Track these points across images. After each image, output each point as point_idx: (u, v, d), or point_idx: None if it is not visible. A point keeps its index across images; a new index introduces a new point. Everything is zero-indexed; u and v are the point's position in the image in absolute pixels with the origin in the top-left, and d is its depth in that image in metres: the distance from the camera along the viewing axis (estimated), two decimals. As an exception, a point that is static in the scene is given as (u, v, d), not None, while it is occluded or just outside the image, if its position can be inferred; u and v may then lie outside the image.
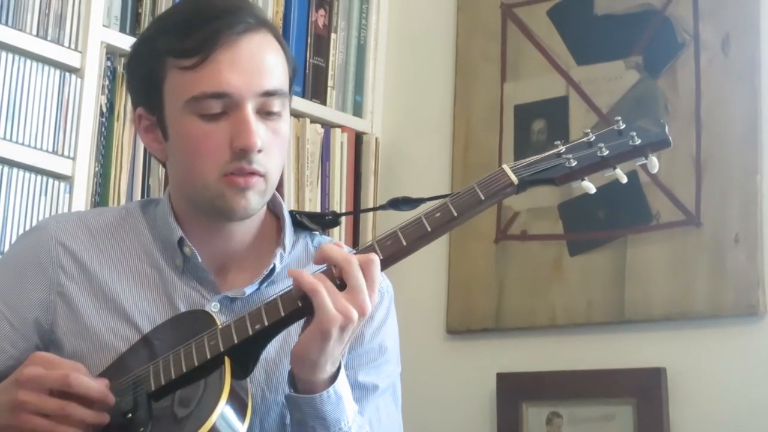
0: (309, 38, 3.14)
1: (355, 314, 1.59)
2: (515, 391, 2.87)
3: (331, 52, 3.20)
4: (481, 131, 3.10)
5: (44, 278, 1.80)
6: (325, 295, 1.58)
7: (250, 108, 1.70)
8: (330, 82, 3.19)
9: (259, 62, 1.72)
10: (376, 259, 1.62)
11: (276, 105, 1.73)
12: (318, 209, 3.04)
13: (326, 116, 3.15)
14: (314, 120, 3.11)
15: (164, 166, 1.87)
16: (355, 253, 1.64)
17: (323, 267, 1.65)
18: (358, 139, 3.21)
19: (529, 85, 3.06)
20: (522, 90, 3.07)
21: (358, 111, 3.25)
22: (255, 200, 1.74)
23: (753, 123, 2.70)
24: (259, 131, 1.71)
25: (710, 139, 2.74)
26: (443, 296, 3.07)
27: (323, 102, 3.15)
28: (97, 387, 1.61)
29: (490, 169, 3.13)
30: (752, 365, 2.61)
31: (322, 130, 3.12)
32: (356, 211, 3.15)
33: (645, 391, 2.69)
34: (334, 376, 1.66)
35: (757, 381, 2.60)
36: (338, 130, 3.16)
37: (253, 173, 1.71)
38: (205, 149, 1.71)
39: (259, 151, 1.70)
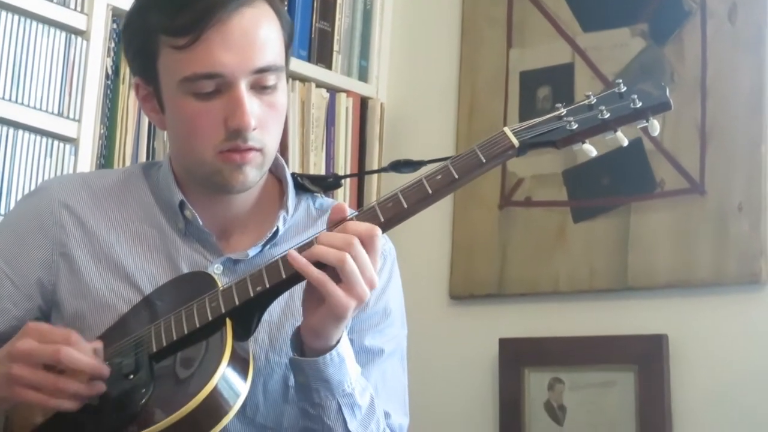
0: (315, 2, 3.14)
1: (367, 293, 1.59)
2: (517, 356, 2.88)
3: (337, 16, 3.20)
4: (486, 97, 3.10)
5: (46, 239, 1.80)
6: (334, 286, 1.58)
7: (243, 86, 1.70)
8: (336, 47, 3.18)
9: (251, 39, 1.71)
10: (377, 231, 1.61)
11: (270, 79, 1.73)
12: (323, 173, 3.05)
13: (332, 81, 3.14)
14: (319, 84, 3.11)
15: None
16: (356, 216, 1.64)
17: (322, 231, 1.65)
18: (363, 104, 3.21)
19: (535, 52, 3.05)
20: (528, 56, 3.06)
21: (363, 76, 3.25)
22: (252, 174, 1.74)
23: (759, 92, 2.69)
24: (253, 108, 1.70)
25: (715, 108, 2.74)
26: (446, 262, 3.07)
27: (329, 66, 3.15)
28: (88, 361, 1.59)
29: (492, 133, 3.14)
30: (754, 333, 2.62)
31: (328, 95, 3.12)
32: (358, 173, 3.15)
33: (646, 357, 2.70)
34: (337, 339, 1.66)
35: (758, 349, 2.61)
36: (343, 95, 3.15)
37: (250, 149, 1.72)
38: (201, 128, 1.71)
39: (254, 128, 1.70)
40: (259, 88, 1.72)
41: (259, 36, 1.72)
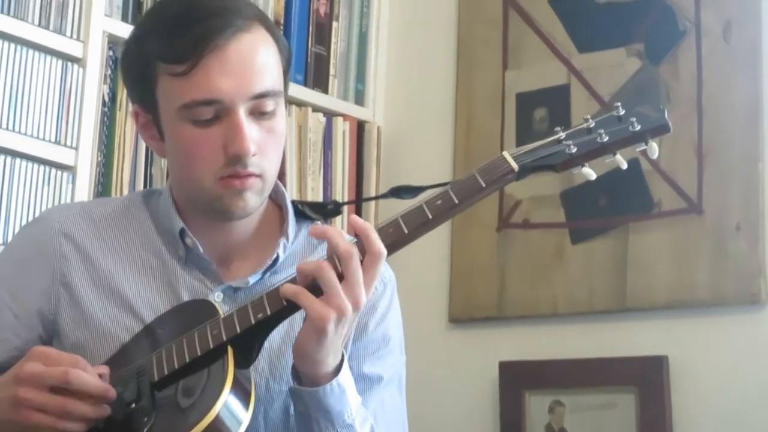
0: (310, 26, 3.14)
1: (349, 308, 1.59)
2: (517, 379, 2.87)
3: (333, 40, 3.20)
4: (483, 119, 3.11)
5: (47, 268, 1.80)
6: (309, 296, 1.59)
7: (242, 112, 1.69)
8: (332, 71, 3.19)
9: (249, 65, 1.70)
10: (383, 251, 1.61)
11: (269, 105, 1.72)
12: (320, 198, 3.05)
13: (328, 105, 3.15)
14: (316, 109, 3.11)
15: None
16: (356, 243, 1.64)
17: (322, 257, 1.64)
18: (360, 128, 3.21)
19: (530, 73, 3.06)
20: (524, 78, 3.07)
21: (359, 99, 3.25)
22: (253, 200, 1.74)
23: (754, 110, 2.69)
24: (253, 134, 1.70)
25: (712, 127, 2.74)
26: (445, 285, 3.07)
27: (325, 90, 3.15)
28: (96, 383, 1.61)
29: (492, 158, 3.14)
30: (753, 353, 2.62)
31: (324, 119, 3.12)
32: (358, 200, 3.15)
33: (647, 379, 2.70)
34: (338, 369, 1.66)
35: (758, 369, 2.60)
36: (340, 119, 3.16)
37: (249, 175, 1.71)
38: (200, 154, 1.71)
39: (254, 154, 1.70)
40: (258, 113, 1.72)
41: (256, 61, 1.71)
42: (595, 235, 2.86)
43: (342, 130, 3.15)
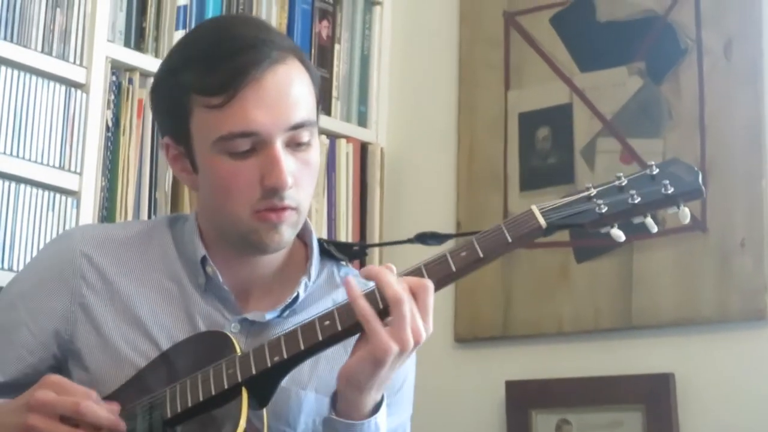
0: (313, 49, 3.15)
1: (410, 342, 1.57)
2: (524, 398, 2.87)
3: (335, 63, 3.21)
4: (486, 140, 3.11)
5: (66, 289, 1.80)
6: (379, 324, 1.57)
7: (279, 144, 1.69)
8: (334, 93, 3.20)
9: (285, 96, 1.70)
10: (430, 285, 1.60)
11: (305, 136, 1.72)
12: (324, 220, 3.05)
13: (331, 127, 3.15)
14: (319, 131, 3.10)
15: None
16: (405, 274, 1.62)
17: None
18: (363, 150, 3.22)
19: (532, 93, 3.06)
20: (526, 98, 3.07)
21: (362, 121, 3.26)
22: (288, 233, 1.73)
23: (757, 128, 2.70)
24: (289, 165, 1.69)
25: (714, 145, 2.74)
26: (450, 305, 3.06)
27: (328, 113, 3.16)
28: (107, 416, 1.60)
29: (495, 178, 3.15)
30: (760, 370, 2.61)
31: (327, 141, 3.12)
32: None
33: (653, 397, 2.69)
34: (377, 407, 1.65)
35: (764, 385, 2.60)
36: (343, 141, 3.16)
37: (285, 208, 1.71)
38: (236, 187, 1.70)
39: (290, 187, 1.69)
40: (294, 145, 1.71)
41: (292, 93, 1.71)
42: (600, 254, 2.86)
43: (345, 151, 3.15)
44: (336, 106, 3.19)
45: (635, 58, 2.90)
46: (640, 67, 2.89)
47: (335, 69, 3.20)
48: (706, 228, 2.72)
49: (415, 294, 1.59)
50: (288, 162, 1.69)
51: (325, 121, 3.13)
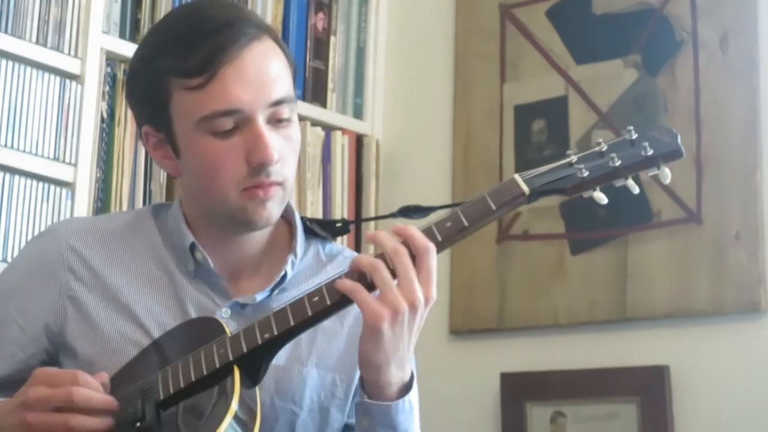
0: (308, 41, 3.15)
1: (404, 306, 1.57)
2: (519, 390, 2.87)
3: (331, 55, 3.21)
4: (482, 132, 3.11)
5: (54, 283, 1.79)
6: (365, 293, 1.57)
7: (261, 120, 1.69)
8: (330, 85, 3.20)
9: (265, 72, 1.70)
10: (432, 247, 1.60)
11: (285, 111, 1.72)
12: (320, 212, 3.05)
13: (327, 119, 3.15)
14: (315, 123, 3.11)
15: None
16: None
17: (339, 273, 1.64)
18: (358, 142, 3.22)
19: (528, 86, 3.06)
20: (521, 90, 3.07)
21: (358, 113, 3.26)
22: (275, 209, 1.74)
23: (752, 120, 2.70)
24: (273, 141, 1.69)
25: (710, 137, 2.75)
26: (446, 297, 3.07)
27: (323, 105, 3.16)
28: (100, 397, 1.60)
29: (491, 170, 3.16)
30: (755, 362, 2.62)
31: (323, 133, 3.12)
32: (365, 218, 3.14)
33: (648, 389, 2.70)
34: (408, 386, 1.65)
35: (759, 377, 2.60)
36: (339, 133, 3.16)
37: (272, 184, 1.71)
38: (223, 166, 1.70)
39: (276, 162, 1.70)
40: (275, 121, 1.72)
41: (271, 69, 1.72)
42: (595, 246, 2.86)
43: (341, 144, 3.15)
44: (331, 98, 3.19)
45: (631, 50, 2.90)
46: (636, 60, 2.89)
47: (331, 61, 3.20)
48: (701, 220, 2.72)
49: (414, 257, 1.59)
50: (272, 138, 1.70)
51: (321, 114, 3.13)
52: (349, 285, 1.59)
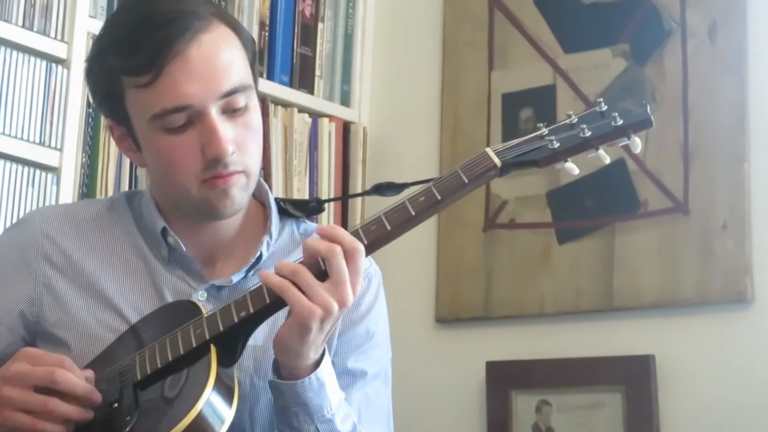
0: (296, 28, 3.14)
1: (334, 306, 1.58)
2: (504, 379, 2.87)
3: (318, 41, 3.20)
4: (469, 120, 3.10)
5: (30, 271, 1.80)
6: (296, 291, 1.58)
7: (214, 113, 1.69)
8: (317, 72, 3.19)
9: (213, 65, 1.70)
10: (360, 247, 1.61)
11: (240, 101, 1.72)
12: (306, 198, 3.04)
13: (314, 106, 3.14)
14: (302, 110, 3.10)
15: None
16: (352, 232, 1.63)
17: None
18: (345, 129, 3.21)
19: (516, 74, 3.06)
20: (509, 78, 3.07)
21: (345, 100, 3.25)
22: (239, 197, 1.74)
23: (740, 111, 2.70)
24: (228, 133, 1.69)
25: (698, 127, 2.75)
26: (432, 285, 3.07)
27: (311, 91, 3.15)
28: (82, 385, 1.61)
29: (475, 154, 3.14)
30: (740, 352, 2.62)
31: (310, 120, 3.11)
32: (340, 197, 3.14)
33: (634, 378, 2.70)
34: (318, 362, 1.66)
35: (745, 367, 2.61)
36: (326, 120, 3.15)
37: (232, 173, 1.71)
38: (179, 162, 1.70)
39: (233, 153, 1.70)
40: (230, 111, 1.71)
41: (220, 60, 1.71)
42: (582, 235, 2.86)
43: (328, 131, 3.15)
44: (319, 85, 3.18)
45: (619, 39, 2.90)
46: (624, 49, 2.89)
47: (318, 48, 3.19)
48: (688, 210, 2.72)
49: (345, 254, 1.60)
50: (226, 129, 1.69)
51: (308, 100, 3.12)
52: (278, 283, 1.59)
